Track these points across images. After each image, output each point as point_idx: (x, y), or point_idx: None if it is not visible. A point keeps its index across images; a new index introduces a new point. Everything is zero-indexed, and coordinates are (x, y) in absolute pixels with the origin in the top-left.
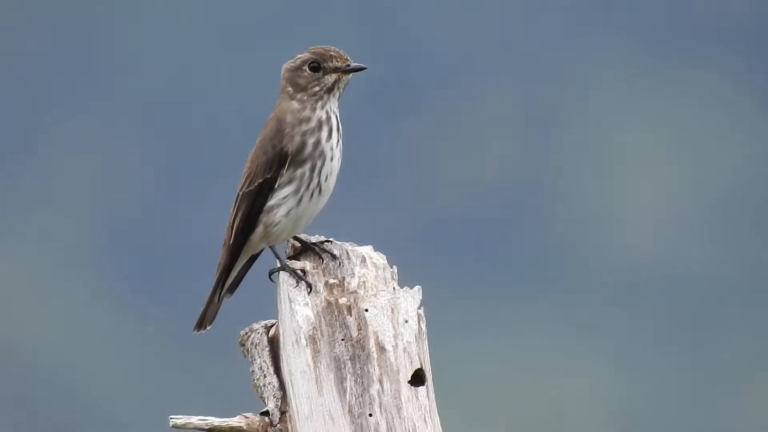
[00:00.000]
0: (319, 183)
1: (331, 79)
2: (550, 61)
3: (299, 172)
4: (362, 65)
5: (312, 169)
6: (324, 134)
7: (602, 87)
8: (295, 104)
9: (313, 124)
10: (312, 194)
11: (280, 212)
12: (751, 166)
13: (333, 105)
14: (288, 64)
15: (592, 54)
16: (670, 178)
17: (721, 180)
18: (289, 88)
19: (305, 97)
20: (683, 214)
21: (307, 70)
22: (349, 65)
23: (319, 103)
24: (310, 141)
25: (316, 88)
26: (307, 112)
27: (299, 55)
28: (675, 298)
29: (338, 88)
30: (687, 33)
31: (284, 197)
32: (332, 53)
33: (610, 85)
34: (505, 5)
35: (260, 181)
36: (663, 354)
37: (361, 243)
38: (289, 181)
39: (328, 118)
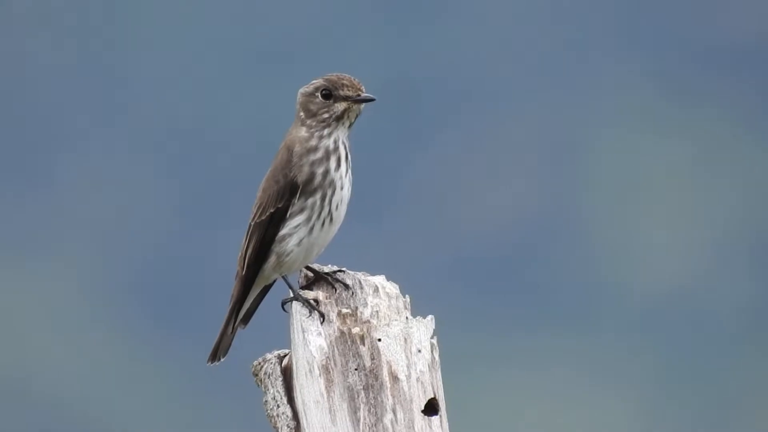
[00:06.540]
0: (330, 212)
1: (340, 107)
2: (574, 89)
3: (310, 201)
4: (372, 96)
5: (323, 198)
6: (333, 164)
7: (627, 116)
8: (303, 132)
9: (320, 154)
10: (323, 223)
11: (292, 241)
12: None
13: (341, 134)
14: (303, 89)
15: (617, 84)
16: (697, 208)
17: (748, 209)
18: (302, 113)
19: (314, 123)
20: (710, 244)
21: (319, 97)
22: (359, 95)
23: (326, 131)
24: (319, 171)
25: (326, 115)
26: (314, 141)
27: (314, 81)
28: (705, 331)
29: (348, 117)
30: (704, 65)
31: (296, 226)
32: (344, 81)
33: (635, 115)
34: (525, 35)
35: (272, 210)
36: (691, 388)
37: (374, 273)
38: (301, 210)
39: (336, 148)
